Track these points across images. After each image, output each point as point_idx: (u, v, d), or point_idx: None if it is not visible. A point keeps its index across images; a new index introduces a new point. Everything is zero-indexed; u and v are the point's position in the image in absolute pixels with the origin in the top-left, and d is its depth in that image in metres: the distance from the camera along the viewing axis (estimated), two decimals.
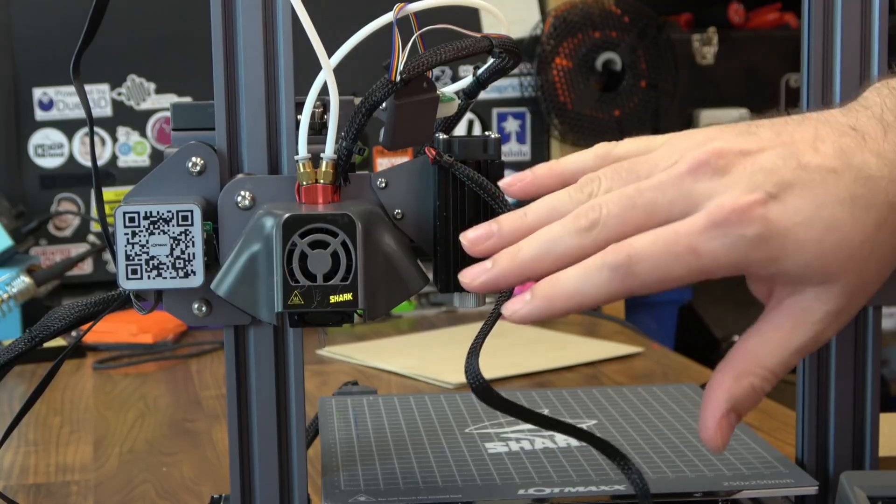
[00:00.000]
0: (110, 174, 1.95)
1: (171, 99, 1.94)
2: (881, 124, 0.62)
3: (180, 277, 0.67)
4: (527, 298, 0.61)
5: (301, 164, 0.67)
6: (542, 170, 0.68)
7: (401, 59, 0.65)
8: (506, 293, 0.65)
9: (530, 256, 0.62)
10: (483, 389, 0.64)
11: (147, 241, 0.66)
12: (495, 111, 2.07)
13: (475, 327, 1.55)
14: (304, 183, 0.67)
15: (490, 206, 0.68)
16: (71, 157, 1.94)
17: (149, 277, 0.67)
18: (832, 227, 0.59)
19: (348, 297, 0.64)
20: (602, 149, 0.68)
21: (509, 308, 0.62)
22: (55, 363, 0.74)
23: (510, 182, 0.68)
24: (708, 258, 0.59)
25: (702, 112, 2.36)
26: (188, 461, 1.12)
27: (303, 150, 0.67)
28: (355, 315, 0.65)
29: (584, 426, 0.85)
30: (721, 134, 0.63)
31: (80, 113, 1.93)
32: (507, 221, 0.64)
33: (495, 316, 0.65)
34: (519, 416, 0.68)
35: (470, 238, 0.65)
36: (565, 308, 0.61)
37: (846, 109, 0.64)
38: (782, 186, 0.59)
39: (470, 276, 0.63)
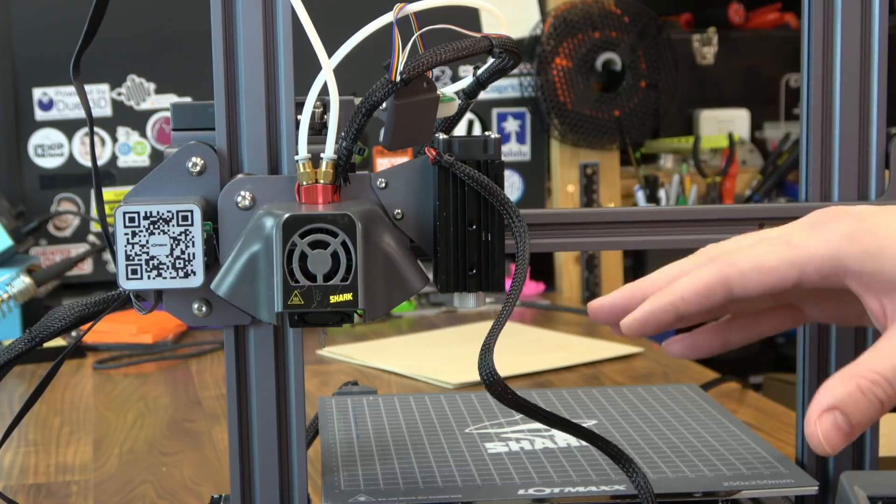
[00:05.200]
0: (110, 174, 1.95)
1: (171, 99, 1.94)
2: None
3: (180, 277, 0.67)
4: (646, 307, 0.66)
5: (301, 164, 0.67)
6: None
7: (401, 59, 0.65)
8: (515, 292, 0.66)
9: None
10: (496, 385, 0.65)
11: (147, 241, 0.66)
12: (495, 111, 2.07)
13: (475, 327, 1.56)
14: (304, 183, 0.67)
15: (492, 204, 0.68)
16: (71, 157, 1.94)
17: (149, 277, 0.67)
18: None
19: (348, 297, 0.64)
20: None
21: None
22: (55, 363, 0.74)
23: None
24: (801, 248, 0.62)
25: (702, 112, 2.36)
26: (188, 461, 1.12)
27: (303, 150, 0.67)
28: (355, 315, 0.65)
29: (584, 426, 0.85)
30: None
31: (80, 113, 1.93)
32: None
33: (507, 313, 0.66)
34: (530, 414, 0.68)
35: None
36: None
37: None
38: (868, 212, 0.63)
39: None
